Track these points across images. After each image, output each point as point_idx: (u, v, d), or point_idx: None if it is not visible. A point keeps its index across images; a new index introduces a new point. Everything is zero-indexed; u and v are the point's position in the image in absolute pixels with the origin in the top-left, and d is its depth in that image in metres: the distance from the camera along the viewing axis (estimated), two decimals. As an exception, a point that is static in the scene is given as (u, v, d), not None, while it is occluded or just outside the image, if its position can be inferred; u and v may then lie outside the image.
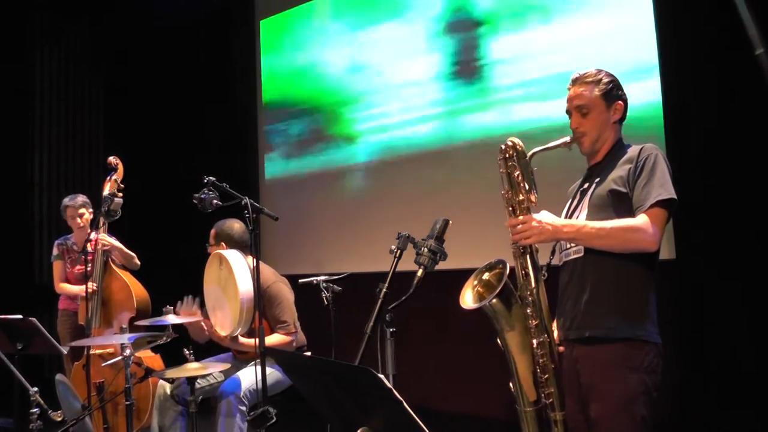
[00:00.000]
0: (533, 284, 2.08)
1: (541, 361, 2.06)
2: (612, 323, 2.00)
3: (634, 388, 1.95)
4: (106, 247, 4.03)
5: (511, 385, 2.13)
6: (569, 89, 2.19)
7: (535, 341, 2.06)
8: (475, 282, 2.16)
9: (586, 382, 2.02)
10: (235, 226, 3.45)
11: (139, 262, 4.28)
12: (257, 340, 2.83)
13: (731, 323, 3.51)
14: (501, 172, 2.14)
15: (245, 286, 3.06)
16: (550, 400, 2.06)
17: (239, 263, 3.14)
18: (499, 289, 2.01)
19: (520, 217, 2.07)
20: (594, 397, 2.00)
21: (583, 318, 2.05)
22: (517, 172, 2.10)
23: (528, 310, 2.07)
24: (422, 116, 4.97)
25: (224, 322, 3.21)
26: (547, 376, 2.06)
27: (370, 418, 1.48)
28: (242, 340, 3.25)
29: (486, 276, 2.16)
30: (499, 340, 2.12)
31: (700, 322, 3.59)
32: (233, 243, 3.38)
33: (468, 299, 2.12)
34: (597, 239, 2.01)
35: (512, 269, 2.10)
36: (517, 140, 2.12)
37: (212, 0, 6.16)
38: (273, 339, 3.30)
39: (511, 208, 2.11)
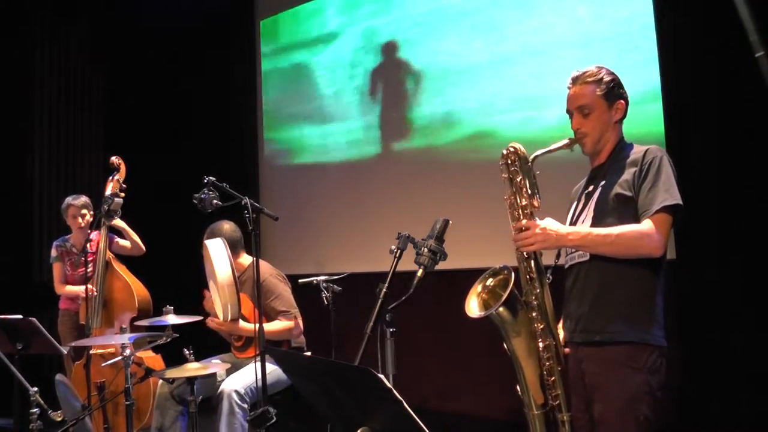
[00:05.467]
0: (538, 288, 2.08)
1: (547, 364, 2.06)
2: (617, 328, 2.00)
3: (638, 388, 1.96)
4: (114, 222, 4.09)
5: (518, 388, 2.13)
6: (569, 88, 2.17)
7: (541, 344, 2.06)
8: (480, 289, 2.15)
9: (590, 382, 2.03)
10: (225, 226, 3.49)
11: (144, 248, 4.36)
12: (257, 326, 2.84)
13: (732, 323, 3.51)
14: (503, 177, 2.12)
15: (221, 269, 3.08)
16: (558, 401, 2.07)
17: (216, 249, 3.16)
18: (505, 297, 2.00)
19: (524, 222, 2.05)
20: (597, 397, 2.00)
21: (588, 322, 2.06)
22: (519, 177, 2.08)
23: (533, 314, 2.07)
24: (422, 115, 4.97)
25: (218, 308, 3.25)
26: (553, 378, 2.07)
27: (370, 418, 1.48)
28: (243, 324, 3.27)
29: (490, 282, 2.15)
30: (505, 346, 2.12)
31: (700, 322, 3.59)
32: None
33: (474, 307, 2.11)
34: (602, 246, 2.00)
35: (516, 271, 2.10)
36: (518, 145, 2.10)
37: (212, 0, 6.15)
38: (274, 325, 3.32)
39: (514, 214, 2.10)
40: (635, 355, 1.97)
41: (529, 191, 2.08)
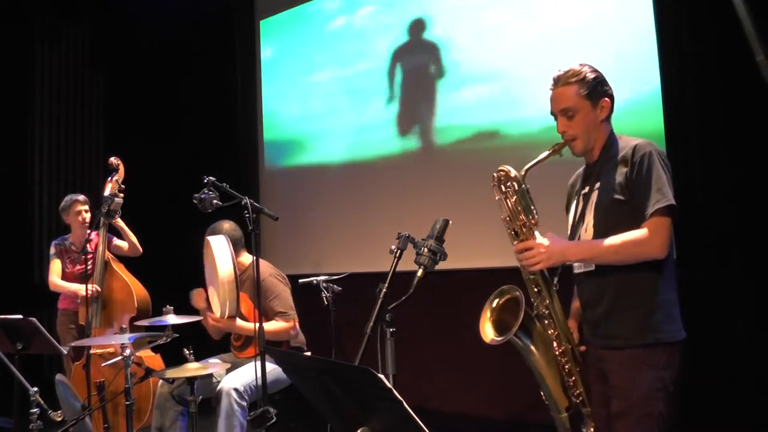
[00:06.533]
0: (547, 299, 2.10)
1: (566, 367, 2.10)
2: (632, 332, 2.02)
3: (652, 384, 1.98)
4: (116, 221, 4.12)
5: (542, 393, 2.18)
6: (551, 90, 2.13)
7: (557, 350, 2.10)
8: (489, 313, 2.16)
9: (609, 380, 2.06)
10: (225, 225, 3.50)
11: (141, 249, 4.37)
12: (256, 325, 2.85)
13: (732, 323, 3.51)
14: (497, 198, 2.13)
15: (223, 265, 3.09)
16: (580, 398, 2.12)
17: (219, 245, 3.17)
18: (519, 323, 2.02)
19: (527, 243, 2.06)
20: (615, 394, 2.03)
21: (605, 328, 2.08)
22: (514, 198, 2.09)
23: (545, 322, 2.11)
24: (422, 115, 4.97)
25: (216, 305, 3.25)
26: (573, 378, 2.11)
27: (370, 418, 1.48)
28: (240, 323, 3.27)
29: (497, 303, 2.16)
30: (524, 359, 2.16)
31: (701, 322, 3.58)
32: None
33: (489, 332, 2.13)
34: (606, 257, 2.02)
35: (520, 280, 2.12)
36: (508, 167, 2.10)
37: (212, 0, 6.16)
38: (272, 325, 3.31)
39: (513, 232, 2.11)
40: (650, 353, 2.00)
41: (525, 209, 2.08)
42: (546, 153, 2.11)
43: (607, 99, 2.11)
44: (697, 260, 3.60)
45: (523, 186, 2.08)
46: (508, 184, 2.09)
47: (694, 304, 3.57)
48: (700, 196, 3.53)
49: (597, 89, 2.09)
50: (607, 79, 2.14)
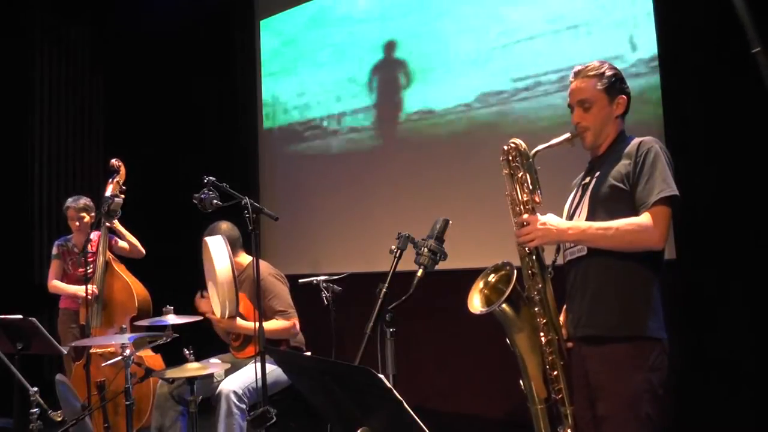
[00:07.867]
0: (540, 284, 2.10)
1: (550, 358, 2.08)
2: (615, 321, 2.01)
3: (639, 386, 1.97)
4: (113, 223, 4.11)
5: (521, 383, 2.16)
6: (571, 82, 2.18)
7: (543, 339, 2.08)
8: (481, 285, 2.16)
9: (593, 381, 2.04)
10: (222, 226, 3.50)
11: (144, 251, 4.35)
12: (256, 324, 2.85)
13: (731, 323, 3.51)
14: (504, 172, 2.14)
15: (221, 265, 3.10)
16: (560, 395, 2.09)
17: (216, 246, 3.17)
18: (508, 293, 2.02)
19: (525, 217, 2.07)
20: (600, 396, 2.02)
21: (588, 317, 2.07)
22: (521, 173, 2.10)
23: (536, 309, 2.09)
24: (423, 116, 4.97)
25: (216, 305, 3.25)
26: (556, 372, 2.09)
27: (370, 418, 1.48)
28: (241, 322, 3.27)
29: (492, 278, 2.17)
30: (508, 340, 2.14)
31: (700, 323, 3.58)
32: None
33: (476, 303, 2.13)
34: (602, 240, 2.01)
35: (518, 269, 2.11)
36: (519, 141, 2.12)
37: (212, 0, 6.16)
38: (272, 324, 3.31)
39: (515, 209, 2.12)
40: (636, 353, 1.98)
41: (530, 187, 2.10)
42: (560, 139, 2.14)
43: (623, 96, 2.16)
44: (697, 260, 3.60)
45: (532, 161, 2.10)
46: (518, 158, 2.11)
47: (694, 305, 3.58)
48: (699, 195, 3.52)
49: (615, 85, 2.13)
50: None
